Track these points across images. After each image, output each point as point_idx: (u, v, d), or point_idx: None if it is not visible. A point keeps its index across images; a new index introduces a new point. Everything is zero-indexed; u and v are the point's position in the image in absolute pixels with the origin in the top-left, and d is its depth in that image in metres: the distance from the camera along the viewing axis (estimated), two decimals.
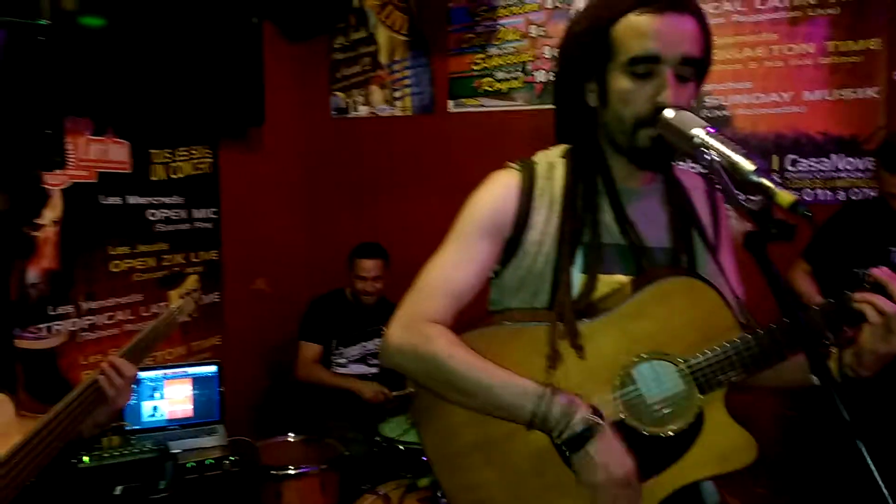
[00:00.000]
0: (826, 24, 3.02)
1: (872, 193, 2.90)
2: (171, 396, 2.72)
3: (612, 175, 1.27)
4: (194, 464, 2.36)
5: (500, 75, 3.54)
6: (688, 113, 1.13)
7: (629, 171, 1.27)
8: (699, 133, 1.06)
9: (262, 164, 3.60)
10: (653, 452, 1.19)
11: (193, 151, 3.19)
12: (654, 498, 1.18)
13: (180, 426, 2.68)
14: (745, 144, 3.18)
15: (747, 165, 0.99)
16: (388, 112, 3.80)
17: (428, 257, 1.29)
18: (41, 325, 2.47)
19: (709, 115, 3.19)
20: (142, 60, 2.68)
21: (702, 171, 1.12)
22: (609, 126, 1.23)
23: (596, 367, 1.20)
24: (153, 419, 2.67)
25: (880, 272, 1.19)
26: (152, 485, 2.21)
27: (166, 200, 3.04)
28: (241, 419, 3.09)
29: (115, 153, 2.80)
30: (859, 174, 3.01)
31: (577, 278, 1.24)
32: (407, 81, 3.74)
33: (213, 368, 2.81)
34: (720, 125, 3.17)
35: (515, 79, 3.50)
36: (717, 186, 1.11)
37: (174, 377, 2.74)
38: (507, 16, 3.54)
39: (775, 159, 3.12)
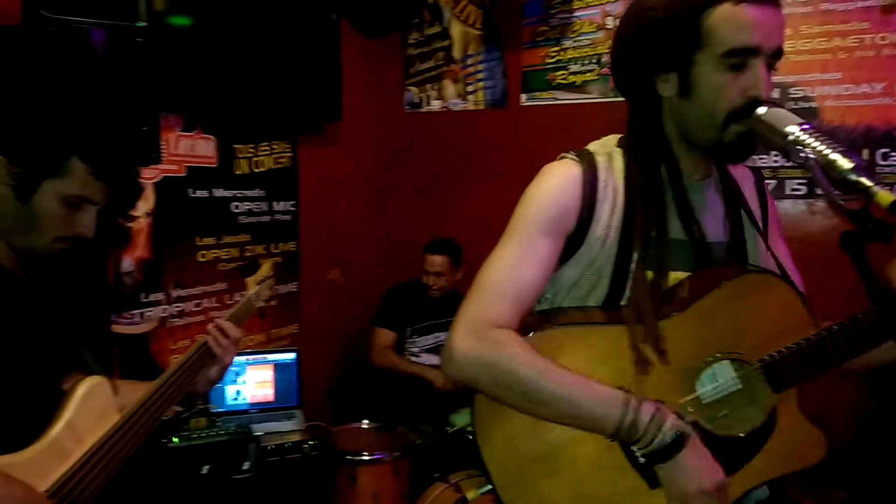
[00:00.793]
0: None
1: None
2: (252, 381, 2.84)
3: (679, 168, 1.24)
4: (275, 447, 2.47)
5: (574, 68, 3.51)
6: (782, 109, 1.10)
7: (694, 164, 1.25)
8: (794, 130, 1.03)
9: (338, 158, 3.69)
10: (726, 453, 1.16)
11: (274, 146, 3.30)
12: (728, 499, 1.17)
13: (261, 410, 2.80)
14: (833, 137, 3.06)
15: (845, 164, 0.96)
16: (460, 106, 3.82)
17: None
18: (134, 312, 2.62)
19: (795, 106, 3.08)
20: (226, 59, 2.79)
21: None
22: (690, 119, 1.19)
23: (670, 369, 1.17)
24: (236, 402, 2.80)
25: None
26: (236, 465, 2.31)
27: (249, 193, 3.16)
28: (317, 405, 3.20)
29: (203, 148, 2.93)
30: None
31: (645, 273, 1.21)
32: (480, 75, 3.76)
33: (292, 355, 2.92)
34: (807, 117, 3.04)
35: (590, 71, 3.47)
36: (766, 181, 1.09)
37: (255, 363, 2.86)
38: (582, 7, 3.50)
39: (865, 153, 2.99)
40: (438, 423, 2.95)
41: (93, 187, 1.36)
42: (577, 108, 3.48)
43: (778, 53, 1.15)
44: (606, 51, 3.43)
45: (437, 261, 3.29)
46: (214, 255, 2.98)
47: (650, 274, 1.21)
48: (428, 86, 3.91)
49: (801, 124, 1.05)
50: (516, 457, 1.17)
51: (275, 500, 2.43)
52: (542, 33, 3.59)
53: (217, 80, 2.77)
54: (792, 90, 3.09)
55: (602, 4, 3.44)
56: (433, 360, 3.36)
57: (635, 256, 1.20)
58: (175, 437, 2.30)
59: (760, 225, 1.32)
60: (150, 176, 2.66)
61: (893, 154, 2.96)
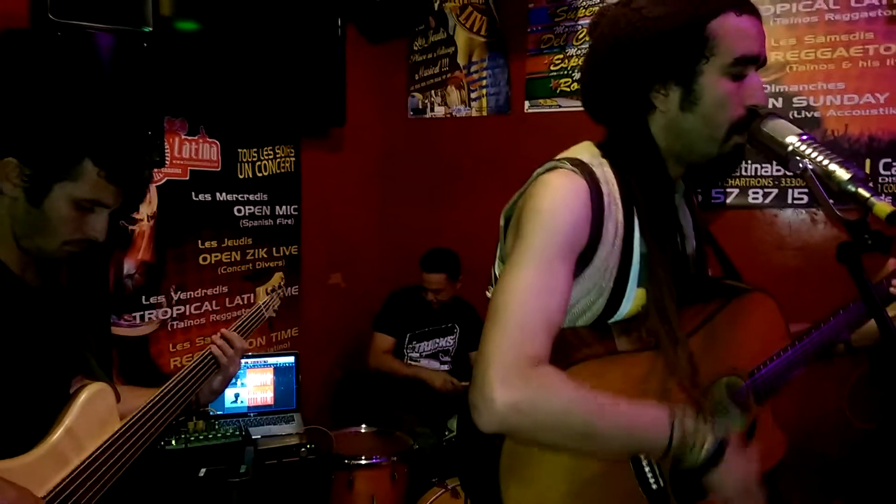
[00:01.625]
0: None
1: None
2: (252, 384, 2.85)
3: (674, 185, 1.24)
4: (272, 450, 2.48)
5: (578, 75, 3.52)
6: (781, 119, 1.09)
7: (675, 177, 1.24)
8: (794, 140, 1.03)
9: (341, 163, 3.71)
10: None
11: (278, 150, 3.32)
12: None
13: (260, 413, 2.81)
14: (835, 147, 3.07)
15: (843, 174, 0.96)
16: (464, 113, 3.84)
17: None
18: (135, 314, 2.63)
19: (797, 115, 3.08)
20: (231, 63, 2.81)
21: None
22: (689, 133, 1.15)
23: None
24: (235, 406, 2.81)
25: None
26: (234, 468, 2.32)
27: (252, 197, 3.18)
28: (316, 408, 3.21)
29: (206, 152, 2.95)
30: None
31: (634, 293, 1.18)
32: (484, 82, 3.77)
33: (291, 359, 2.93)
34: (810, 126, 3.06)
35: None
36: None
37: (255, 366, 2.87)
38: (587, 16, 3.51)
39: (868, 163, 2.99)
40: (436, 427, 2.95)
41: (105, 190, 1.37)
42: (580, 115, 3.45)
43: (764, 62, 1.16)
44: None
45: (434, 279, 3.28)
46: (216, 258, 3.00)
47: (642, 292, 1.17)
48: (432, 92, 3.93)
49: (800, 135, 1.05)
50: (548, 500, 1.09)
51: (272, 503, 2.43)
52: (546, 41, 3.60)
53: (222, 85, 2.79)
54: (795, 100, 3.09)
55: None
56: (433, 365, 3.36)
57: (633, 274, 1.17)
58: (173, 440, 2.31)
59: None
60: (153, 179, 2.68)
61: None
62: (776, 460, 1.24)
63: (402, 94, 4.00)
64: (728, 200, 3.13)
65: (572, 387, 1.03)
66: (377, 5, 3.69)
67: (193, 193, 2.88)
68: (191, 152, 2.86)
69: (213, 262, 2.98)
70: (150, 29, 2.08)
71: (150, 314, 2.70)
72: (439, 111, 3.91)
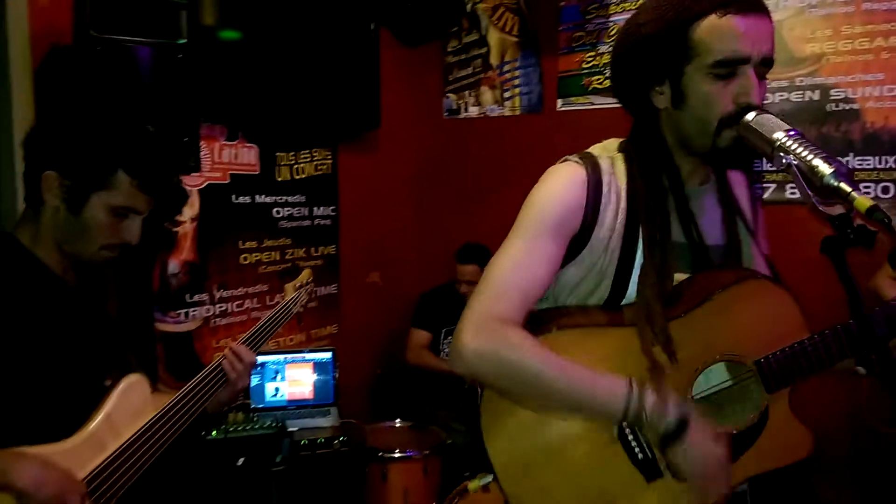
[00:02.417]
0: None
1: None
2: (291, 379, 2.96)
3: (680, 175, 1.28)
4: (307, 441, 2.57)
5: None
6: (770, 115, 1.12)
7: (691, 170, 1.28)
8: (780, 136, 1.06)
9: (377, 165, 3.80)
10: None
11: (315, 153, 3.42)
12: (730, 480, 1.20)
13: (298, 407, 2.92)
14: (876, 139, 2.99)
15: (826, 169, 0.98)
16: (497, 112, 3.88)
17: None
18: (180, 311, 2.77)
19: (835, 108, 3.02)
20: (269, 70, 2.92)
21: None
22: (685, 127, 1.22)
23: (674, 370, 1.20)
24: (275, 399, 2.92)
25: None
26: (270, 458, 2.43)
27: (290, 199, 3.29)
28: (354, 403, 3.30)
29: (246, 156, 3.07)
30: None
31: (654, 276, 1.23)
32: (517, 81, 3.81)
33: (328, 354, 3.02)
34: (848, 119, 3.00)
35: None
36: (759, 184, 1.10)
37: (294, 361, 2.98)
38: (619, 12, 3.51)
39: None
40: (471, 422, 3.00)
41: (137, 198, 1.48)
42: (612, 112, 3.46)
43: (767, 61, 1.17)
44: None
45: (468, 270, 3.36)
46: (256, 258, 3.12)
47: (653, 277, 1.23)
48: (466, 92, 3.98)
49: (788, 130, 1.07)
50: (520, 449, 1.21)
51: (307, 492, 2.53)
52: (578, 38, 3.62)
53: (259, 91, 2.90)
54: (833, 92, 3.03)
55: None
56: None
57: (639, 260, 1.23)
58: (213, 431, 2.42)
59: (752, 226, 1.34)
60: (194, 183, 2.81)
61: None
62: (798, 457, 1.23)
63: (438, 95, 4.07)
64: (766, 196, 3.09)
65: (533, 345, 1.16)
66: (410, 9, 3.77)
67: (234, 196, 3.01)
68: (230, 157, 2.99)
69: (253, 261, 3.10)
70: (185, 41, 2.19)
71: (193, 311, 2.83)
72: (473, 111, 3.96)
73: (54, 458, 1.32)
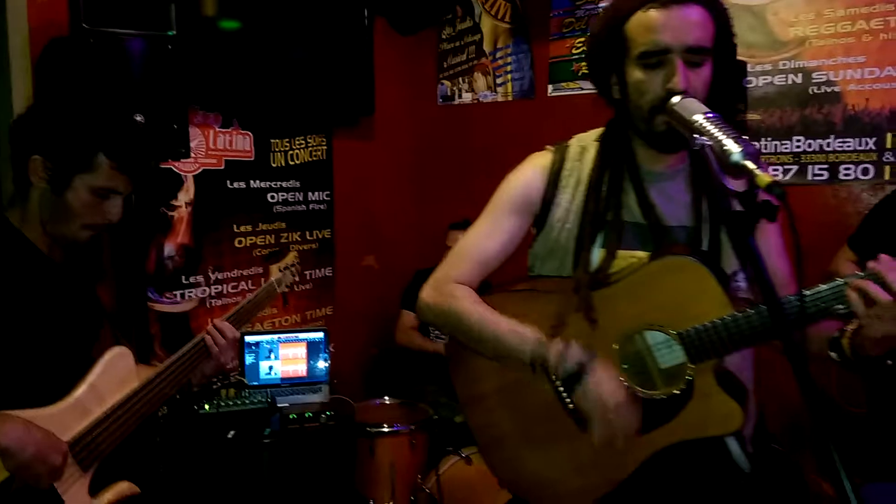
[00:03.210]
0: None
1: None
2: (284, 358, 3.07)
3: (637, 159, 1.38)
4: (295, 416, 2.69)
5: None
6: (694, 100, 1.21)
7: (653, 155, 1.37)
8: (699, 118, 1.14)
9: (372, 150, 3.89)
10: (647, 412, 1.30)
11: (309, 140, 3.52)
12: (646, 451, 1.30)
13: (291, 385, 3.03)
14: (857, 121, 3.02)
15: (734, 148, 1.06)
16: (490, 98, 3.95)
17: None
18: (176, 292, 2.89)
19: (817, 91, 3.06)
20: (263, 58, 3.01)
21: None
22: (631, 114, 1.33)
23: (599, 334, 1.32)
24: (269, 377, 3.04)
25: (879, 261, 1.21)
26: (260, 431, 2.54)
27: (285, 184, 3.39)
28: (348, 382, 3.41)
29: (240, 143, 3.17)
30: None
31: (598, 253, 1.36)
32: (509, 68, 3.87)
33: (320, 334, 3.13)
34: (830, 101, 3.03)
35: None
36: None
37: (287, 341, 3.09)
38: None
39: (889, 137, 2.94)
40: (457, 398, 3.10)
41: (117, 179, 1.59)
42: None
43: (694, 49, 1.25)
44: None
45: (456, 237, 3.41)
46: (251, 241, 3.23)
47: (603, 252, 1.35)
48: (460, 79, 4.05)
49: (706, 113, 1.15)
50: (477, 390, 1.44)
51: (296, 465, 2.65)
52: (568, 25, 3.67)
53: (254, 79, 3.00)
54: (815, 75, 3.06)
55: None
56: None
57: (592, 236, 1.37)
58: (206, 405, 2.55)
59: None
60: (190, 169, 2.92)
61: None
62: (724, 430, 1.30)
63: (432, 81, 4.14)
64: (787, 178, 3.09)
65: (470, 300, 1.40)
66: None
67: (228, 182, 3.12)
68: (225, 143, 3.09)
69: (248, 244, 3.22)
70: (175, 32, 2.28)
71: (189, 293, 2.95)
72: (467, 97, 4.03)
73: (39, 420, 1.42)
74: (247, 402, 2.62)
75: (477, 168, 3.97)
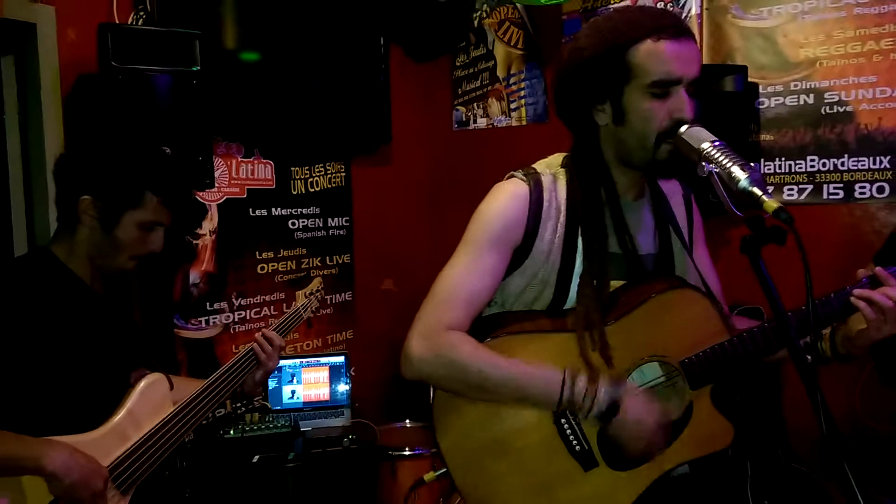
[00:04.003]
0: None
1: None
2: (307, 382, 3.12)
3: (616, 188, 1.39)
4: (318, 440, 2.73)
5: None
6: (701, 128, 1.25)
7: (627, 184, 1.39)
8: (706, 146, 1.18)
9: (389, 177, 3.95)
10: None
11: (329, 167, 3.59)
12: (649, 478, 1.33)
13: (314, 408, 3.08)
14: (870, 140, 3.04)
15: (741, 175, 1.10)
16: (504, 123, 4.01)
17: None
18: (201, 319, 2.95)
19: (829, 111, 3.09)
20: (283, 89, 3.09)
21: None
22: (626, 142, 1.33)
23: (613, 371, 1.32)
24: (291, 401, 3.08)
25: (882, 270, 1.25)
26: (284, 455, 2.58)
27: (305, 211, 3.46)
28: (368, 405, 3.44)
29: (262, 172, 3.25)
30: None
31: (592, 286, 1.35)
32: (522, 93, 3.93)
33: (341, 358, 3.18)
34: (842, 121, 3.06)
35: None
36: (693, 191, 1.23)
37: (309, 365, 3.14)
38: None
39: None
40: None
41: (162, 213, 1.67)
42: None
43: (696, 81, 1.30)
44: None
45: None
46: (273, 267, 3.29)
47: (591, 286, 1.35)
48: (474, 105, 4.12)
49: (713, 141, 1.20)
50: (469, 444, 1.32)
51: (319, 488, 2.68)
52: (568, 48, 3.72)
53: (273, 110, 3.08)
54: (827, 95, 3.10)
55: None
56: None
57: (578, 268, 1.35)
58: (231, 430, 2.59)
59: (686, 236, 1.45)
60: (213, 198, 3.00)
61: None
62: (719, 446, 1.35)
63: (447, 108, 4.21)
64: (802, 197, 3.09)
65: (473, 346, 1.28)
66: (420, 26, 3.93)
67: (251, 210, 3.19)
68: (247, 173, 3.17)
69: (270, 270, 3.28)
70: (199, 68, 2.37)
71: (214, 319, 3.01)
72: (482, 122, 4.10)
73: (81, 446, 1.48)
74: (270, 426, 2.66)
75: None
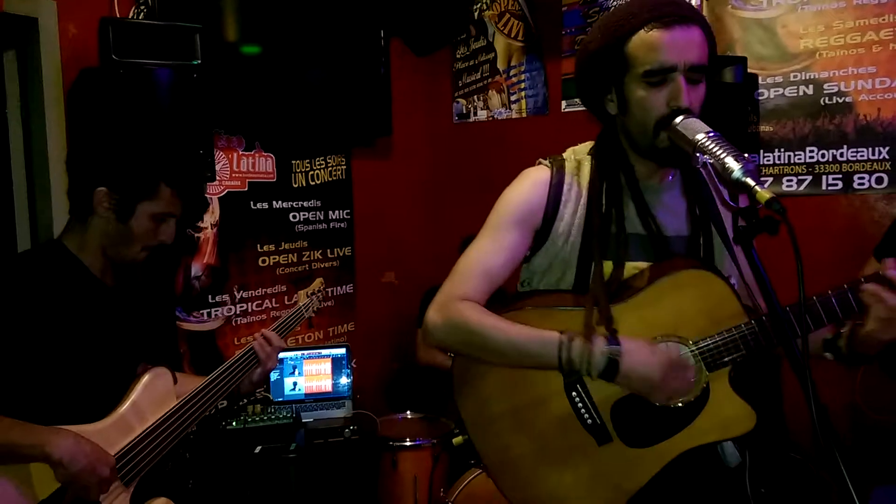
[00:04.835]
0: None
1: None
2: (308, 374, 3.14)
3: (635, 173, 1.41)
4: (320, 431, 2.75)
5: None
6: (696, 119, 1.26)
7: (650, 168, 1.42)
8: (701, 137, 1.20)
9: (390, 169, 3.97)
10: (665, 420, 1.34)
11: (329, 160, 3.60)
12: (665, 458, 1.34)
13: (315, 400, 3.10)
14: (869, 130, 3.05)
15: (735, 166, 1.11)
16: (505, 115, 4.02)
17: None
18: (203, 311, 2.97)
19: (829, 102, 3.09)
20: (283, 82, 3.10)
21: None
22: (630, 130, 1.37)
23: None
24: (293, 393, 3.10)
25: (893, 267, 1.26)
26: (286, 446, 2.60)
27: (306, 204, 3.48)
28: (369, 397, 3.47)
29: (263, 165, 3.26)
30: None
31: (604, 266, 1.38)
32: (523, 85, 3.94)
33: (342, 350, 3.20)
34: (842, 112, 3.07)
35: None
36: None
37: (310, 357, 3.16)
38: None
39: None
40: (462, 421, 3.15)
41: (175, 204, 1.69)
42: None
43: (696, 67, 1.30)
44: None
45: None
46: (274, 260, 3.31)
47: (610, 265, 1.38)
48: (475, 97, 4.13)
49: (708, 132, 1.21)
50: (487, 412, 1.39)
51: (321, 478, 2.70)
52: (580, 41, 3.73)
53: (274, 103, 3.09)
54: (826, 86, 3.10)
55: None
56: None
57: (601, 250, 1.38)
58: (233, 422, 2.61)
59: (729, 225, 1.45)
60: (215, 192, 3.01)
61: None
62: (739, 431, 1.35)
63: (448, 100, 4.22)
64: (801, 188, 3.12)
65: (480, 313, 1.35)
66: (420, 19, 3.92)
67: (252, 203, 3.20)
68: (248, 166, 3.18)
69: (271, 263, 3.30)
70: (199, 62, 2.38)
71: (216, 311, 3.03)
72: (482, 115, 4.11)
73: (87, 436, 1.50)
74: (272, 417, 2.68)
75: (492, 183, 4.02)
